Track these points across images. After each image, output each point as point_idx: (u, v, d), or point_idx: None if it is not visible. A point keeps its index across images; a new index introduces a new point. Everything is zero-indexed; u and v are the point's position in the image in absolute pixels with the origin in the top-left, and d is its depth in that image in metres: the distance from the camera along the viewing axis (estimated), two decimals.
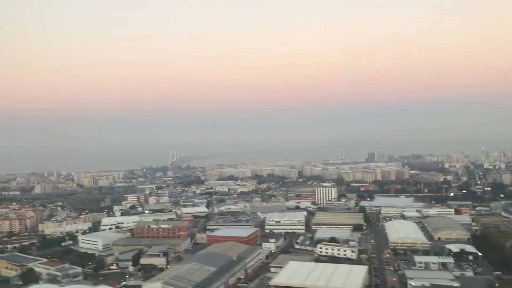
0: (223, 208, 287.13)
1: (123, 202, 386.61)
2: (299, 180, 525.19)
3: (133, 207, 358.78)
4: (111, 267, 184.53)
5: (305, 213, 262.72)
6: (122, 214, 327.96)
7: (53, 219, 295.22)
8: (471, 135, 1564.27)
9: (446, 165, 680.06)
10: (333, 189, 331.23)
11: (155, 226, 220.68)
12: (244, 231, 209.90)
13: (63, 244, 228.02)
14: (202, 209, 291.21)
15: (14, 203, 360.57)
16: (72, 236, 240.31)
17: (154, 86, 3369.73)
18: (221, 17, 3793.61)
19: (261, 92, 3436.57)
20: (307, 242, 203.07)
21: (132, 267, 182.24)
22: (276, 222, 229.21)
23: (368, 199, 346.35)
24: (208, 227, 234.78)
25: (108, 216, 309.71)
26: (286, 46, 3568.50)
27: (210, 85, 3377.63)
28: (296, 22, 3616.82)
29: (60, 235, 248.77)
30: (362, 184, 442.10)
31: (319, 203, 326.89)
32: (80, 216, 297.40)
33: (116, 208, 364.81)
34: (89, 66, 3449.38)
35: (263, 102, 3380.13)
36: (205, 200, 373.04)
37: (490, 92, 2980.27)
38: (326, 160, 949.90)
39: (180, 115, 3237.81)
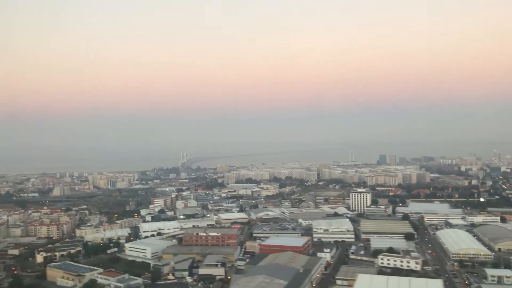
0: (261, 214, 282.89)
1: (150, 206, 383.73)
2: (320, 183, 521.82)
3: (161, 211, 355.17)
4: (168, 277, 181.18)
5: (348, 220, 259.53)
6: (153, 218, 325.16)
7: (88, 224, 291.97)
8: (476, 136, 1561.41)
9: (463, 168, 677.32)
10: (368, 194, 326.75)
11: (204, 234, 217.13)
12: (297, 240, 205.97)
13: (108, 251, 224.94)
14: (240, 215, 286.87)
15: (45, 208, 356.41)
16: (115, 243, 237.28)
17: (148, 90, 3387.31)
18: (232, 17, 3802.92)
19: (262, 92, 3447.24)
20: (362, 252, 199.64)
21: (189, 277, 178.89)
22: (325, 230, 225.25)
23: (400, 204, 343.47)
24: (254, 235, 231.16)
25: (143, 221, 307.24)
26: (286, 49, 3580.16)
27: (208, 86, 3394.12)
28: (303, 22, 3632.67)
29: (101, 242, 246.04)
30: (387, 188, 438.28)
31: (354, 209, 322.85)
32: (116, 222, 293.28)
33: (143, 212, 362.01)
34: (93, 65, 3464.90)
35: (265, 103, 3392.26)
36: (234, 205, 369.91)
37: (491, 94, 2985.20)
38: (336, 162, 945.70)
39: (178, 116, 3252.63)
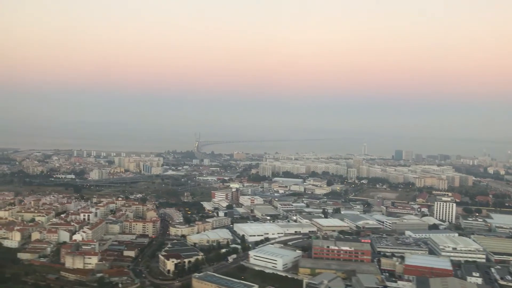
0: (361, 222, 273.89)
1: (213, 200, 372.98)
2: (362, 181, 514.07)
3: (230, 206, 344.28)
4: None
5: (456, 234, 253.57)
6: (241, 218, 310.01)
7: (176, 221, 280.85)
8: (483, 134, 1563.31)
9: (490, 170, 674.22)
10: (453, 204, 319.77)
11: (336, 248, 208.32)
12: (440, 261, 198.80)
13: (229, 259, 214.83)
14: (341, 223, 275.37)
15: (120, 198, 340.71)
16: (233, 249, 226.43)
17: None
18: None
19: (279, 78, 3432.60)
20: (510, 277, 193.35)
21: None
22: (453, 248, 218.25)
23: (477, 214, 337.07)
24: (378, 249, 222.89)
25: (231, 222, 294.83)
26: (305, 34, 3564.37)
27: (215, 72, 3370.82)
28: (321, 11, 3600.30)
29: (207, 244, 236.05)
30: (444, 193, 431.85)
31: (441, 219, 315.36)
32: (207, 220, 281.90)
33: (207, 206, 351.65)
34: (104, 45, 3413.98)
35: (282, 88, 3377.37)
36: (303, 204, 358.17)
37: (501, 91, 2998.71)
38: (350, 154, 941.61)
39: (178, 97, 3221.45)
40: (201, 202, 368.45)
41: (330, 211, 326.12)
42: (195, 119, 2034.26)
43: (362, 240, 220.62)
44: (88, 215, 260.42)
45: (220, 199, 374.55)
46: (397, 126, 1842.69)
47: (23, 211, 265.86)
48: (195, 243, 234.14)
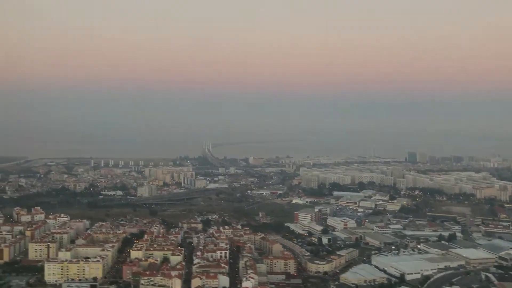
0: (503, 253, 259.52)
1: (301, 222, 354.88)
2: (416, 193, 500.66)
3: (325, 231, 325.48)
4: None
5: None
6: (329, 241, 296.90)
7: (308, 255, 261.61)
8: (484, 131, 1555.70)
9: None
10: None
11: None
12: None
13: None
14: (485, 254, 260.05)
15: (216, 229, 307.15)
16: None
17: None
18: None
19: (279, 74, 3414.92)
20: None
21: None
22: None
23: None
24: None
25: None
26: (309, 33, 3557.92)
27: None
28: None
29: (364, 285, 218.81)
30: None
31: None
32: (339, 253, 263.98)
33: (295, 228, 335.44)
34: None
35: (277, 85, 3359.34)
36: (400, 226, 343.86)
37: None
38: (361, 157, 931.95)
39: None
40: (286, 224, 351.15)
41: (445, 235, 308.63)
42: (183, 121, 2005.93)
43: None
44: (225, 253, 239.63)
45: (305, 220, 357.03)
46: (391, 126, 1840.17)
47: (151, 248, 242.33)
48: (356, 285, 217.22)
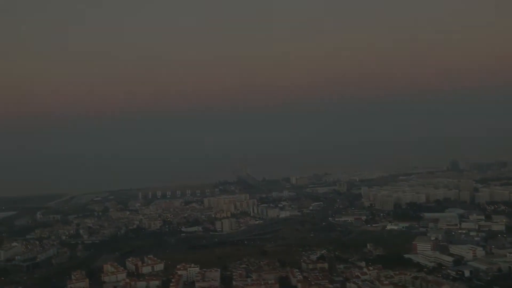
0: None
1: (426, 253, 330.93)
2: (502, 208, 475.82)
3: (457, 262, 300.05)
4: None
5: None
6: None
7: None
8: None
9: None
10: None
11: None
12: None
13: None
14: None
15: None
16: None
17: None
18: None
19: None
20: None
21: None
22: None
23: None
24: None
25: None
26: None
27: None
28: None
29: None
30: None
31: None
32: None
33: (422, 261, 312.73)
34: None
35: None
36: None
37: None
38: (399, 169, 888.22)
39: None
40: (405, 256, 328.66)
41: None
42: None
43: None
44: None
45: (425, 250, 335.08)
46: (405, 133, 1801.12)
47: None
48: None
